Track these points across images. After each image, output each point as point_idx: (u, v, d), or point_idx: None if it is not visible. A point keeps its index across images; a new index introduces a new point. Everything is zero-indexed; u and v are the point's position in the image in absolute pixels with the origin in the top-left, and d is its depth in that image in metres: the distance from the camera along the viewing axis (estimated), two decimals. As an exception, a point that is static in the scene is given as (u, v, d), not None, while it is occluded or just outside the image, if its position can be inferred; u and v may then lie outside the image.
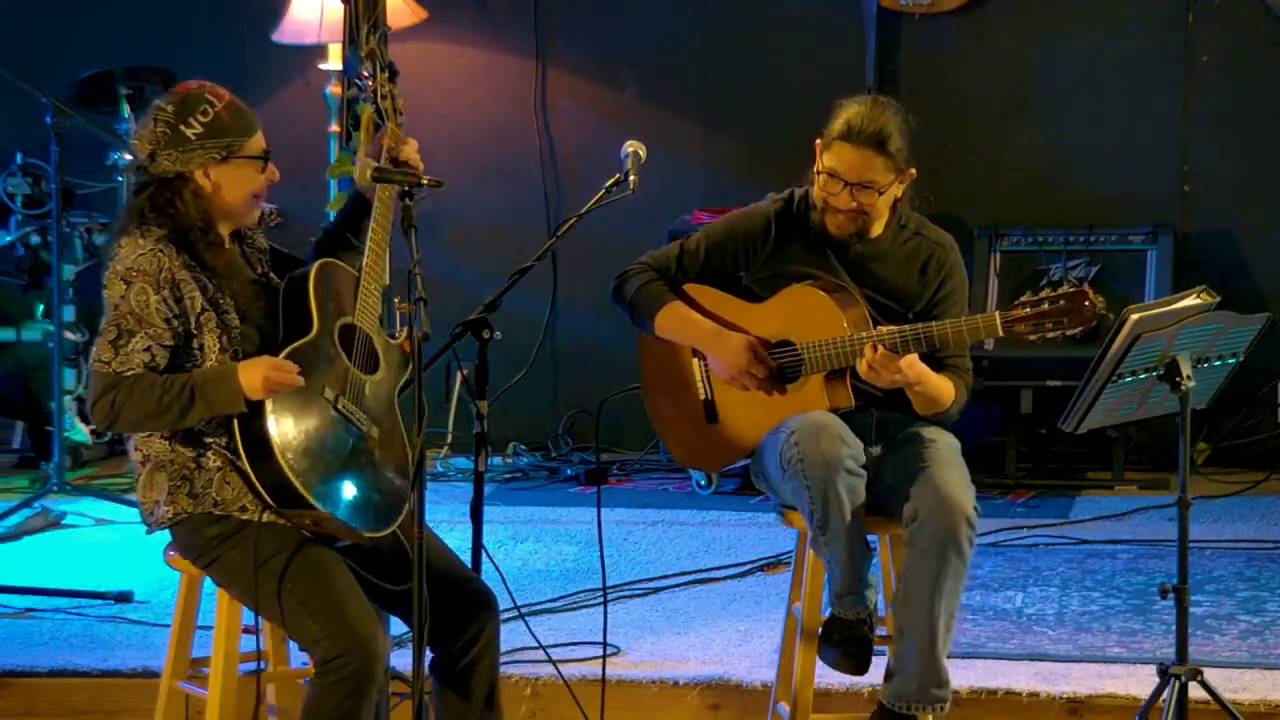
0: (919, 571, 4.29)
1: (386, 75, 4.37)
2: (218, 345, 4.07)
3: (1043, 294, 4.21)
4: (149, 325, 4.02)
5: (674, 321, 4.55)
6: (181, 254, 4.08)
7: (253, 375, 3.98)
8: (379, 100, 4.34)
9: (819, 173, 4.46)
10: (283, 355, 4.04)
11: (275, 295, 4.17)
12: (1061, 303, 4.18)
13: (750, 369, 4.47)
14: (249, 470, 4.00)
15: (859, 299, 4.45)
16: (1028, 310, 4.22)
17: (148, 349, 4.02)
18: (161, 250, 4.06)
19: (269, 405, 3.98)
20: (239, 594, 4.13)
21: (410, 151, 4.27)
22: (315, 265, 4.18)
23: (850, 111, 4.43)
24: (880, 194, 4.43)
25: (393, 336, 4.29)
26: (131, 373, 4.01)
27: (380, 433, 4.16)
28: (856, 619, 4.39)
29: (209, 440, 4.07)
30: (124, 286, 4.04)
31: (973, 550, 4.30)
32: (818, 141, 4.49)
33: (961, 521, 4.27)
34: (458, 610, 4.17)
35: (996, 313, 4.27)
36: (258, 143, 4.18)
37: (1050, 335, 4.22)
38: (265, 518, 4.06)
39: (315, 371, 4.07)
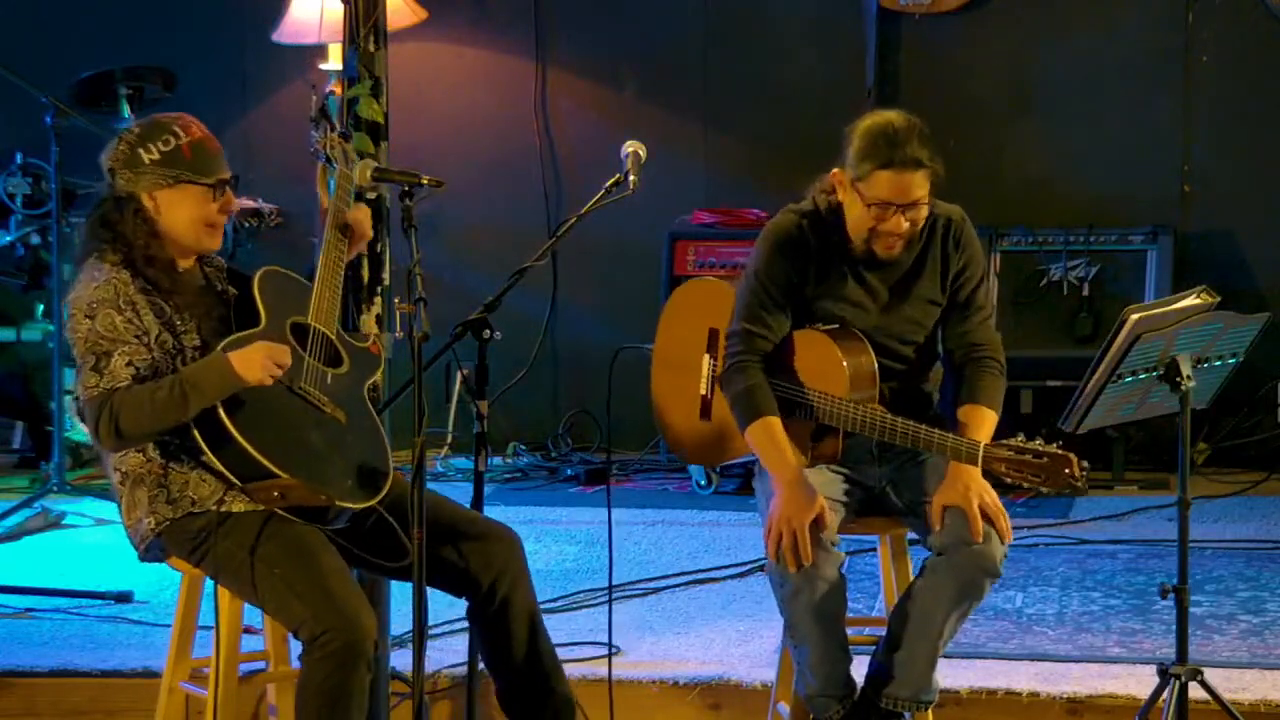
0: (933, 600, 4.30)
1: (338, 134, 4.44)
2: (172, 368, 4.10)
3: (1031, 444, 4.14)
4: (123, 343, 4.07)
5: (762, 442, 4.40)
6: (136, 279, 4.13)
7: (247, 360, 4.01)
8: (329, 151, 4.38)
9: (868, 203, 4.37)
10: (230, 339, 4.08)
11: (229, 310, 4.24)
12: (1045, 460, 4.12)
13: (792, 527, 4.27)
14: (207, 452, 4.02)
15: (868, 349, 4.42)
16: (1010, 453, 4.16)
17: (129, 363, 4.06)
18: (116, 276, 4.12)
19: None
20: (230, 583, 4.14)
21: (359, 215, 4.33)
22: (258, 271, 4.25)
23: (879, 138, 4.37)
24: (926, 206, 4.42)
25: (359, 339, 4.33)
26: (120, 386, 4.04)
27: (348, 418, 4.18)
28: None
29: (174, 441, 4.10)
30: (89, 321, 4.08)
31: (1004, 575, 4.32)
32: (837, 171, 4.43)
33: (987, 577, 4.28)
34: (474, 554, 4.20)
35: (981, 444, 4.23)
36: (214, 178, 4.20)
37: (1024, 485, 4.17)
38: (243, 507, 4.08)
39: None
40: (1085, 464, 4.13)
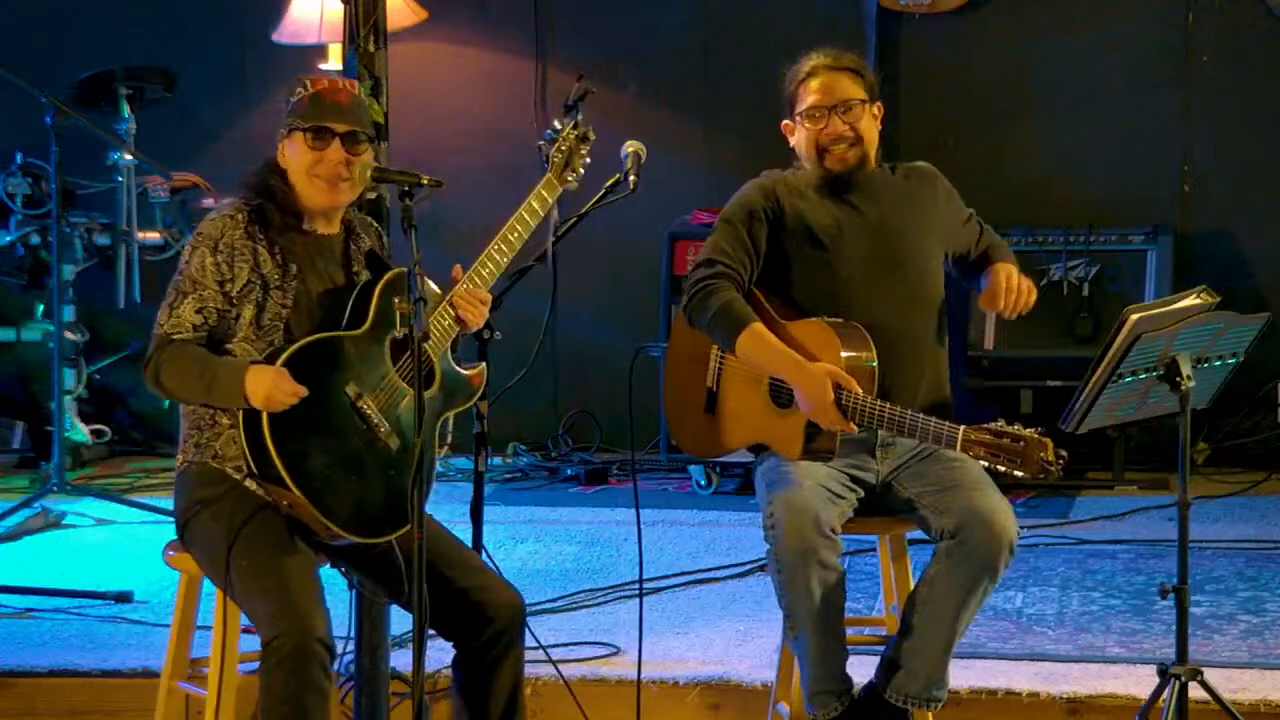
0: (949, 584, 4.29)
1: (576, 135, 4.48)
2: (250, 322, 4.12)
3: (1009, 428, 4.17)
4: (202, 287, 4.12)
5: (754, 347, 4.45)
6: (252, 225, 4.15)
7: (257, 383, 4.02)
8: (553, 151, 4.44)
9: (804, 118, 4.56)
10: (315, 338, 4.07)
11: (348, 295, 4.22)
12: (1020, 444, 4.14)
13: (831, 408, 4.34)
14: (241, 436, 4.05)
15: (869, 344, 4.44)
16: (988, 436, 4.19)
17: (199, 310, 4.12)
18: (230, 217, 4.16)
19: None
20: (205, 567, 4.16)
21: (476, 312, 4.28)
22: (392, 271, 4.22)
23: (801, 63, 4.61)
24: (863, 110, 4.55)
25: (467, 368, 4.29)
26: (180, 336, 4.10)
27: (401, 447, 4.14)
28: None
29: None
30: (189, 252, 4.16)
31: (1006, 572, 4.31)
32: (786, 123, 4.62)
33: (1005, 549, 4.27)
34: (478, 610, 4.18)
35: (961, 426, 4.24)
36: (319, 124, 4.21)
37: (999, 468, 4.19)
38: (254, 485, 4.10)
39: (344, 366, 4.10)
40: (1064, 452, 4.15)
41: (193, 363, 4.09)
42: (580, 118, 4.48)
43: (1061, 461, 4.13)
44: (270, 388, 4.01)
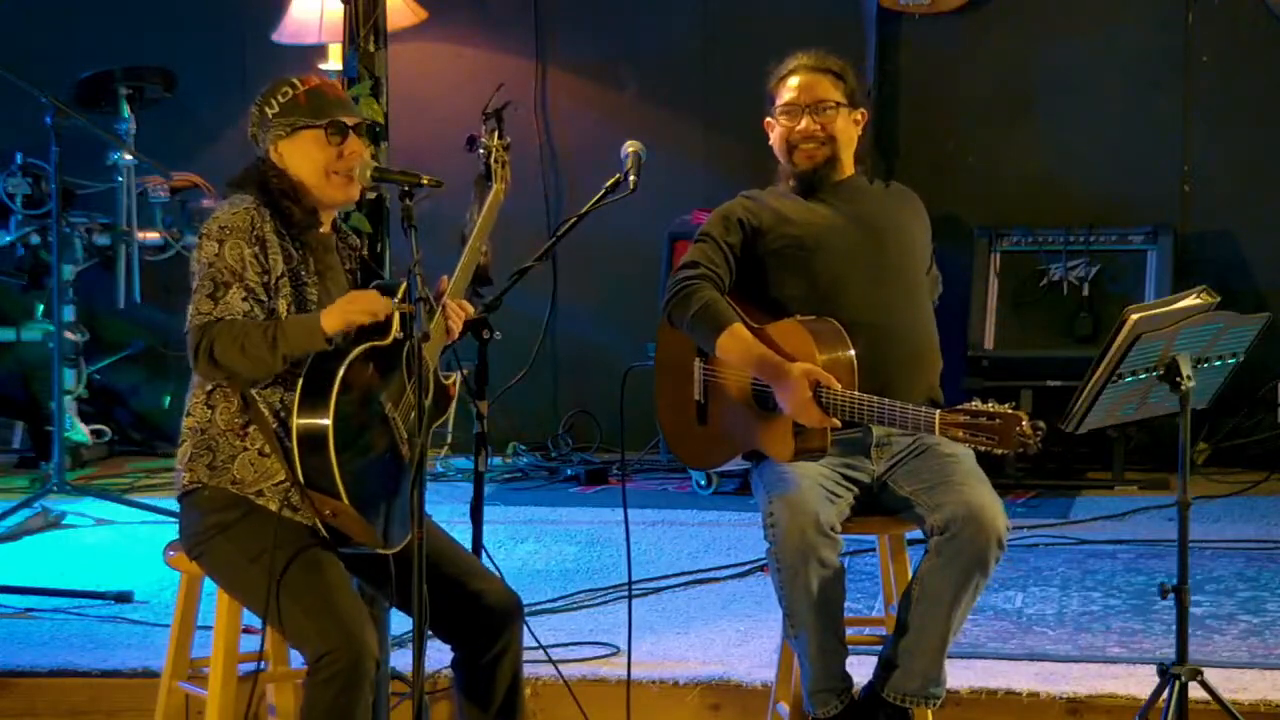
0: (941, 581, 4.28)
1: (502, 145, 4.52)
2: (287, 314, 4.08)
3: (984, 406, 4.16)
4: (244, 278, 4.05)
5: (734, 347, 4.44)
6: (274, 219, 4.12)
7: (330, 312, 4.01)
8: (491, 161, 4.44)
9: (779, 114, 4.62)
10: (360, 350, 4.05)
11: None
12: (996, 421, 4.13)
13: (810, 405, 4.34)
14: (294, 444, 3.98)
15: (845, 339, 4.44)
16: (965, 418, 4.18)
17: (245, 299, 4.04)
18: (255, 210, 4.10)
19: (333, 395, 3.97)
20: (230, 587, 4.13)
21: (455, 317, 4.25)
22: (404, 281, 4.19)
23: (785, 61, 4.69)
24: (838, 112, 4.61)
25: (444, 377, 4.30)
26: (230, 316, 4.02)
27: (408, 455, 4.15)
28: None
29: (261, 409, 4.06)
30: (217, 245, 4.06)
31: (997, 567, 4.31)
32: (768, 120, 4.66)
33: (993, 543, 4.26)
34: (477, 611, 4.18)
35: (938, 411, 4.23)
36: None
37: (979, 448, 4.19)
38: (283, 511, 4.05)
39: (381, 376, 4.09)
40: (1041, 423, 4.14)
41: (250, 326, 4.00)
42: (502, 126, 4.50)
43: (1039, 433, 4.13)
44: (346, 308, 4.00)
